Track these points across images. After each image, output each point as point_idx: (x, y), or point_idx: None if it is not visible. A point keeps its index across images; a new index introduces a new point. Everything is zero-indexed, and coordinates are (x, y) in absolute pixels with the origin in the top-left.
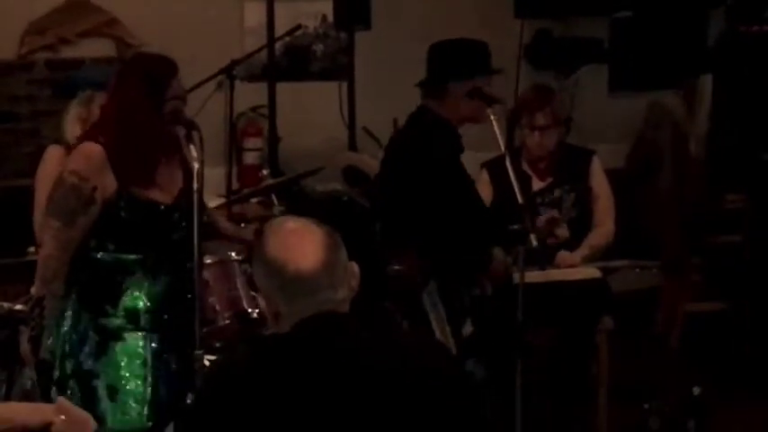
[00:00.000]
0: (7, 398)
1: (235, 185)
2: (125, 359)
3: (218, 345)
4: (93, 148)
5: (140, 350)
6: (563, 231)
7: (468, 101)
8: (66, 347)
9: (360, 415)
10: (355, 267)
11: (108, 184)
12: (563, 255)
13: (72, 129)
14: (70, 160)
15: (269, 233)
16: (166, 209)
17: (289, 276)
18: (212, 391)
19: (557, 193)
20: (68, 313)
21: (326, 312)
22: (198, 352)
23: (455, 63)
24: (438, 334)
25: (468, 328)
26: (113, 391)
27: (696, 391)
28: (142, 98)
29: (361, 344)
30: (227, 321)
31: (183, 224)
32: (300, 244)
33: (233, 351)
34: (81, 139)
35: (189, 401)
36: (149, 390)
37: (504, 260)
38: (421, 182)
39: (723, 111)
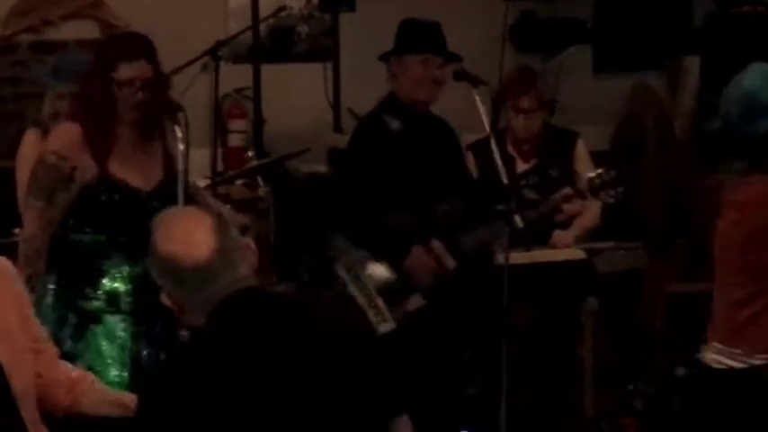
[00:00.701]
0: None
1: (220, 167)
2: (104, 342)
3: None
4: (71, 128)
5: (120, 333)
6: (574, 207)
7: (404, 76)
8: (47, 328)
9: (296, 377)
10: (251, 243)
11: (87, 164)
12: (559, 234)
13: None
14: (49, 140)
15: (157, 228)
16: (146, 195)
17: (185, 269)
18: (162, 400)
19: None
20: (50, 292)
21: (238, 291)
22: (183, 333)
23: (398, 42)
24: (365, 306)
25: (416, 302)
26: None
27: (680, 371)
28: (97, 79)
29: (281, 308)
30: None
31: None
32: (190, 234)
33: (171, 358)
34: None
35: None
36: (127, 374)
37: (425, 261)
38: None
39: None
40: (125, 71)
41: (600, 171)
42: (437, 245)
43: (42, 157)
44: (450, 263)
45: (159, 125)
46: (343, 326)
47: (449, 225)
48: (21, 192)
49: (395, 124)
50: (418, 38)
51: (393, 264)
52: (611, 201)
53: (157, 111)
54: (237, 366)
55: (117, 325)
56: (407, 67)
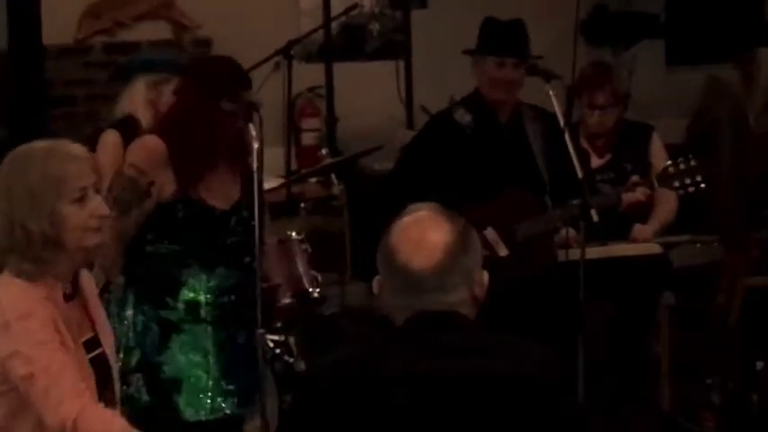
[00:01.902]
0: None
1: (293, 166)
2: (188, 352)
3: (279, 324)
4: (155, 143)
5: (203, 342)
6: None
7: (483, 75)
8: (130, 339)
9: (458, 416)
10: (485, 277)
11: (166, 181)
12: (639, 228)
13: (143, 111)
14: (131, 152)
15: (402, 216)
16: (223, 214)
17: (397, 268)
18: (322, 389)
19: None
20: (129, 305)
21: (437, 312)
22: (260, 331)
23: (479, 42)
24: None
25: None
26: (178, 384)
27: (759, 365)
28: (203, 102)
29: (470, 345)
30: (289, 301)
31: (240, 229)
32: (420, 239)
33: (344, 347)
34: (145, 131)
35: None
36: (212, 382)
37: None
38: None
39: None
40: (235, 103)
41: (678, 160)
42: (490, 232)
43: (121, 168)
44: (503, 251)
45: (242, 146)
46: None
47: (507, 214)
48: None
49: (466, 119)
50: (497, 38)
51: None
52: (690, 190)
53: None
54: (400, 384)
55: (199, 333)
56: (485, 68)
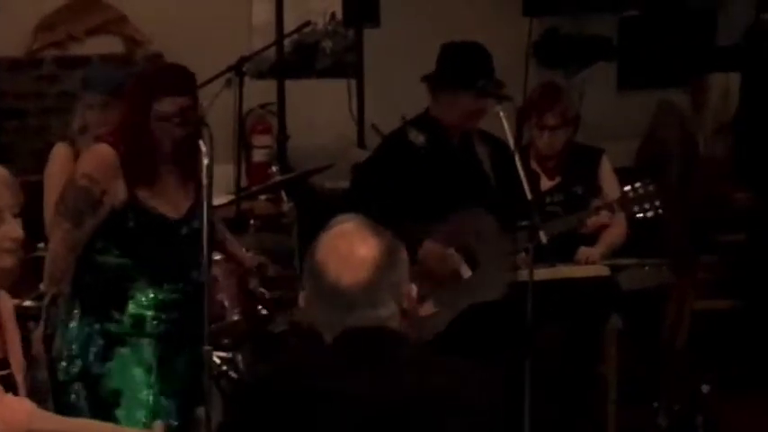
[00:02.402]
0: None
1: (244, 183)
2: (130, 365)
3: (226, 341)
4: (105, 150)
5: (146, 356)
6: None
7: (454, 106)
8: (74, 349)
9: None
10: (413, 290)
11: (118, 189)
12: (585, 250)
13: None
14: (82, 162)
15: (327, 229)
16: (175, 223)
17: (326, 285)
18: (248, 406)
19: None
20: (75, 315)
21: (367, 327)
22: (207, 348)
23: (443, 70)
24: None
25: (428, 308)
26: (117, 396)
27: (705, 388)
28: (132, 109)
29: (400, 360)
30: (236, 318)
31: (190, 239)
32: (348, 254)
33: (273, 359)
34: (95, 141)
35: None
36: (152, 398)
37: (438, 251)
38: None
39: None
40: (167, 105)
41: (636, 185)
42: (452, 253)
43: (73, 178)
44: (466, 272)
45: (192, 155)
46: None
47: (467, 235)
48: (48, 207)
49: (420, 139)
50: (472, 72)
51: None
52: (648, 215)
53: (192, 142)
54: (336, 401)
55: (143, 348)
56: (458, 100)
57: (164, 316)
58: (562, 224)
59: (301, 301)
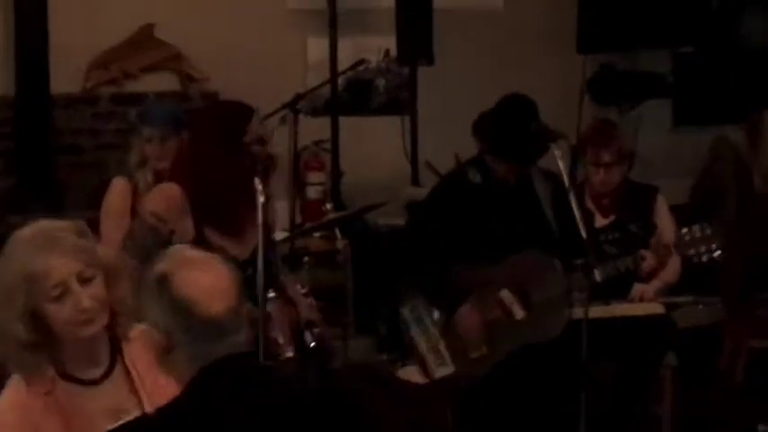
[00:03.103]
0: None
1: (298, 219)
2: None
3: None
4: (173, 190)
5: None
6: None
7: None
8: None
9: None
10: (245, 309)
11: (186, 227)
12: (640, 288)
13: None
14: (149, 200)
15: (176, 265)
16: (242, 264)
17: (198, 319)
18: None
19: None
20: None
21: (237, 354)
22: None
23: (487, 137)
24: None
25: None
26: None
27: (761, 428)
28: (218, 145)
29: (272, 382)
30: (290, 354)
31: (254, 279)
32: (212, 285)
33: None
34: (158, 180)
35: None
36: None
37: (471, 320)
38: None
39: None
40: (254, 131)
41: (693, 228)
42: (506, 294)
43: (141, 217)
44: (519, 313)
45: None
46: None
47: (522, 276)
48: (105, 241)
49: (477, 178)
50: (515, 142)
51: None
52: (703, 259)
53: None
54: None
55: None
56: (500, 162)
57: None
58: (615, 266)
59: (164, 340)
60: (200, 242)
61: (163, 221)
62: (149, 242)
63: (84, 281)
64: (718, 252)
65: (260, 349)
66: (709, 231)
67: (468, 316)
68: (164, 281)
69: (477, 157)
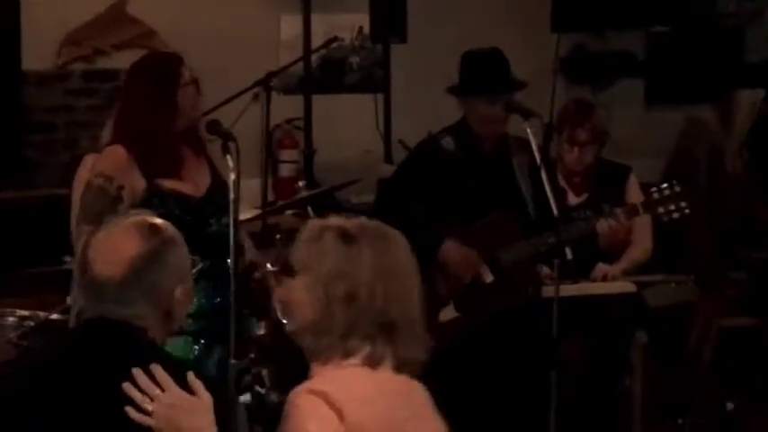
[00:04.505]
0: None
1: (270, 197)
2: None
3: (252, 355)
4: (115, 149)
5: (183, 354)
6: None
7: (473, 113)
8: None
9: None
10: (181, 295)
11: (136, 181)
12: (602, 267)
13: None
14: (95, 165)
15: (105, 224)
16: (198, 202)
17: (87, 277)
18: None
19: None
20: None
21: (111, 319)
22: (233, 361)
23: (460, 79)
24: None
25: (449, 313)
26: None
27: (729, 406)
28: (152, 93)
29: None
30: (262, 332)
31: (216, 218)
32: (112, 250)
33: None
34: (106, 145)
35: None
36: None
37: (461, 252)
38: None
39: None
40: (187, 72)
41: (662, 186)
42: (474, 255)
43: (89, 181)
44: (488, 276)
45: (199, 134)
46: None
47: (491, 239)
48: (74, 217)
49: (451, 145)
50: (483, 78)
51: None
52: (674, 216)
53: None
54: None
55: (180, 345)
56: (474, 107)
57: (199, 312)
58: (576, 230)
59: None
60: (153, 192)
61: (109, 179)
62: (99, 204)
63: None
64: (687, 210)
65: (231, 329)
66: (678, 189)
67: (451, 247)
68: (87, 240)
69: (453, 126)
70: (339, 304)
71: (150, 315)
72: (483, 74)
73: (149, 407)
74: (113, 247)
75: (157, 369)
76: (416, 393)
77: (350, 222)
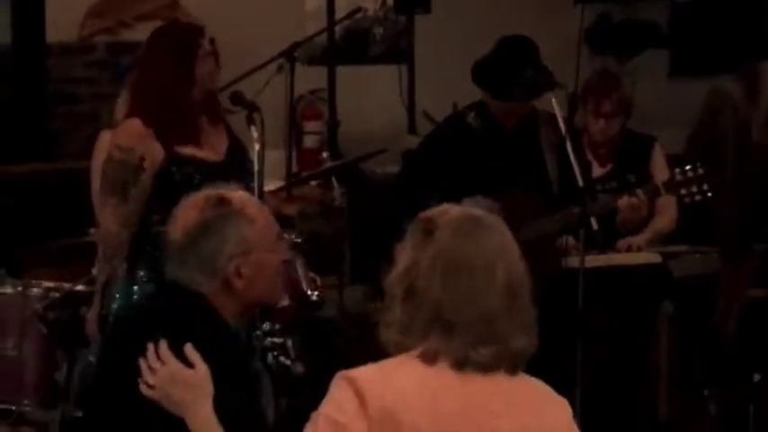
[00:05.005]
0: (68, 378)
1: (294, 168)
2: None
3: (277, 326)
4: (132, 122)
5: None
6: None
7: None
8: None
9: None
10: (238, 268)
11: (155, 150)
12: (627, 239)
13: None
14: (113, 137)
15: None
16: (218, 165)
17: (165, 238)
18: None
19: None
20: (136, 291)
21: (169, 279)
22: (257, 333)
23: (482, 78)
24: None
25: None
26: None
27: (756, 377)
28: (171, 63)
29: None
30: (287, 303)
31: (238, 181)
32: (180, 217)
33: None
34: (124, 118)
35: None
36: None
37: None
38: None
39: None
40: (206, 43)
41: (685, 168)
42: None
43: (109, 154)
44: None
45: (217, 101)
46: None
47: (509, 215)
48: (95, 192)
49: (477, 122)
50: (509, 83)
51: None
52: (696, 198)
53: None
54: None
55: None
56: (497, 103)
57: None
58: (598, 204)
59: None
60: (172, 160)
61: (129, 150)
62: (121, 176)
63: None
64: (710, 194)
65: None
66: (701, 171)
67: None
68: None
69: (478, 102)
70: (399, 300)
71: (206, 282)
72: (509, 80)
73: (150, 380)
74: (182, 214)
75: (162, 343)
76: (494, 390)
77: (441, 212)
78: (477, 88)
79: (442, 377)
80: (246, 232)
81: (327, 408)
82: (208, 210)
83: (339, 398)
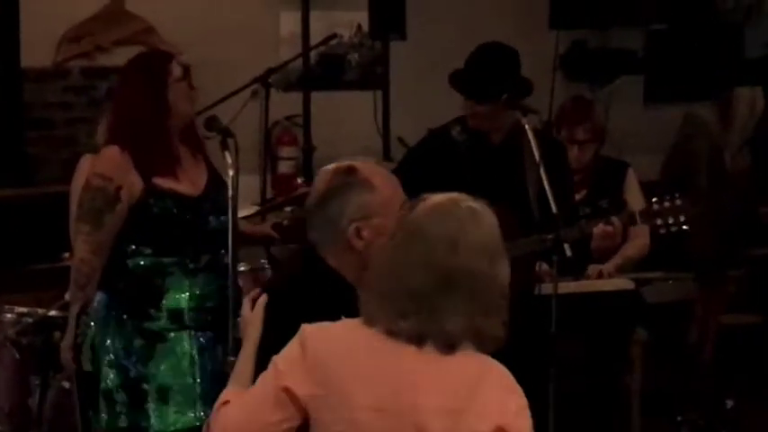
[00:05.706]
0: (41, 403)
1: (269, 194)
2: (173, 359)
3: None
4: (112, 150)
5: (186, 348)
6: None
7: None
8: (111, 357)
9: None
10: (359, 232)
11: (134, 182)
12: (595, 266)
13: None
14: (93, 165)
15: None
16: (196, 200)
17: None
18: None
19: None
20: (110, 323)
21: (305, 244)
22: (231, 359)
23: (465, 83)
24: None
25: None
26: (164, 393)
27: (729, 403)
28: (143, 91)
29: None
30: None
31: (214, 215)
32: (317, 181)
33: None
34: (103, 145)
35: None
36: (199, 387)
37: None
38: None
39: None
40: (176, 69)
41: (663, 197)
42: None
43: (87, 180)
44: None
45: (196, 133)
46: None
47: None
48: (73, 215)
49: (462, 137)
50: (466, 78)
51: None
52: (672, 230)
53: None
54: None
55: (183, 341)
56: (470, 107)
57: (201, 306)
58: (577, 229)
59: None
60: (149, 192)
61: (107, 179)
62: (98, 204)
63: None
64: (685, 226)
65: (229, 326)
66: (679, 202)
67: None
68: None
69: (462, 116)
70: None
71: (330, 246)
72: (467, 75)
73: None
74: (317, 182)
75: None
76: (424, 366)
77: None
78: (453, 111)
79: (374, 340)
80: (368, 199)
81: (278, 355)
82: (336, 178)
83: (289, 347)
